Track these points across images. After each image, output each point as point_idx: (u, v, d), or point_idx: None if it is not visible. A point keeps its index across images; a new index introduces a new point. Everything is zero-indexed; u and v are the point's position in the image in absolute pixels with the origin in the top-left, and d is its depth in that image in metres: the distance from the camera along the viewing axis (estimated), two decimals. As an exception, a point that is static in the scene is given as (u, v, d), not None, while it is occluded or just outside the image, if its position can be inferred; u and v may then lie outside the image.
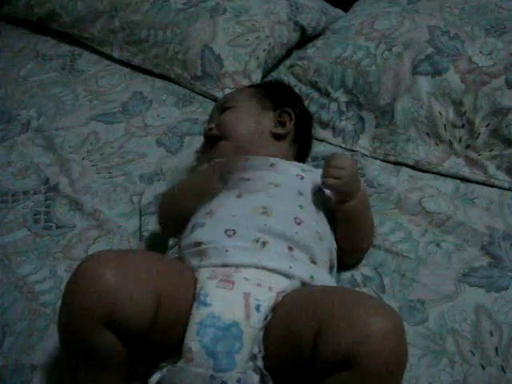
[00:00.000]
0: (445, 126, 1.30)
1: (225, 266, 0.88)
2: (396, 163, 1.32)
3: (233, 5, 1.61)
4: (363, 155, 1.35)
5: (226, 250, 0.89)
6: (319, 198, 1.05)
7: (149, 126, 1.44)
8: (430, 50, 1.35)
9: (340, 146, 1.38)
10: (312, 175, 1.09)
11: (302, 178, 1.07)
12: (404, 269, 1.07)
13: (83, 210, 1.19)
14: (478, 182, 1.27)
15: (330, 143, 1.39)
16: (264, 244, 0.91)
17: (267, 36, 1.57)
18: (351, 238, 1.05)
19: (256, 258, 0.89)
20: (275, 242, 0.91)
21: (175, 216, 1.05)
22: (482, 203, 1.22)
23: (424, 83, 1.33)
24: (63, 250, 1.11)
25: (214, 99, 1.51)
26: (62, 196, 1.23)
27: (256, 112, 1.19)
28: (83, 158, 1.34)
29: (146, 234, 1.13)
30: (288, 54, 1.66)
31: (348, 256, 1.07)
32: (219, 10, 1.59)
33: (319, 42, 1.54)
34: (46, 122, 1.45)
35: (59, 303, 0.98)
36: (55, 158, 1.34)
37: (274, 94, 1.25)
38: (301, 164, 1.15)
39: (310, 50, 1.52)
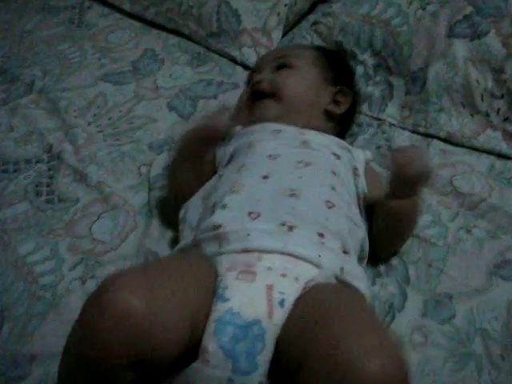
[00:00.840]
0: (482, 95, 1.18)
1: (246, 251, 0.78)
2: (427, 135, 1.22)
3: (252, -47, 1.47)
4: (391, 125, 1.24)
5: (248, 234, 0.80)
6: (355, 182, 0.97)
7: (160, 88, 1.34)
8: (468, 10, 1.22)
9: (365, 114, 1.27)
10: (350, 155, 1.01)
11: (339, 157, 0.98)
12: (431, 258, 0.99)
13: (88, 181, 1.11)
14: (515, 159, 1.16)
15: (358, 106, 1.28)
16: (291, 228, 0.81)
17: (290, -12, 1.44)
18: (390, 237, 0.97)
19: (281, 242, 0.79)
20: (304, 227, 0.82)
21: (180, 194, 0.98)
22: (519, 183, 1.12)
23: (461, 47, 1.20)
24: (65, 226, 1.04)
25: (231, 58, 1.41)
26: (65, 166, 1.15)
27: (317, 81, 1.11)
28: (89, 123, 1.25)
29: (154, 211, 1.05)
30: (311, 7, 1.53)
31: (380, 251, 0.98)
32: (237, -41, 1.45)
33: (345, -3, 1.41)
34: (50, 83, 1.36)
35: (60, 286, 0.96)
36: (60, 123, 1.25)
37: (337, 67, 1.16)
38: (340, 141, 1.06)
39: (336, 6, 1.40)
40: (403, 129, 1.24)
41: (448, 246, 1.01)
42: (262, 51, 1.38)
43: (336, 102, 1.12)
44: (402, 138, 1.21)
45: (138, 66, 1.40)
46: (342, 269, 0.81)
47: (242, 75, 1.36)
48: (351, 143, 1.17)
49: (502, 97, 1.17)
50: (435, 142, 1.20)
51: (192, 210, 0.93)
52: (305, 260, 0.78)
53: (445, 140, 1.20)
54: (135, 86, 1.34)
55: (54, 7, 1.62)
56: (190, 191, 0.97)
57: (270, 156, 0.93)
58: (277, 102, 1.07)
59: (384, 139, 1.20)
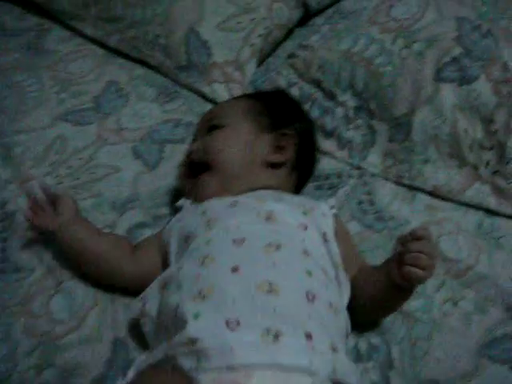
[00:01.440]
0: (470, 146, 1.10)
1: (231, 368, 0.70)
2: (410, 187, 1.14)
3: (224, -22, 1.35)
4: (372, 174, 1.16)
5: (231, 349, 0.71)
6: (325, 252, 0.89)
7: (124, 130, 1.23)
8: (457, 51, 1.13)
9: (346, 161, 1.19)
10: (315, 218, 0.92)
11: (306, 228, 0.89)
12: (415, 335, 0.92)
13: (41, 248, 1.01)
14: (505, 216, 1.09)
15: (335, 157, 1.19)
16: (277, 336, 0.72)
17: (264, 18, 1.33)
18: (371, 309, 0.90)
19: (269, 355, 0.71)
20: (290, 332, 0.74)
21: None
22: (509, 244, 1.06)
23: (449, 93, 1.12)
24: (21, 301, 0.95)
25: (201, 94, 1.30)
26: (20, 228, 1.04)
27: (250, 134, 1.00)
28: (47, 174, 1.14)
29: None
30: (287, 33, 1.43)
31: (359, 317, 0.90)
32: (207, -16, 1.34)
33: (325, 28, 1.31)
34: (4, 123, 1.23)
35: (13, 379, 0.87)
36: (14, 174, 1.14)
37: (273, 110, 1.05)
38: (301, 200, 0.97)
39: (315, 38, 1.29)
40: (386, 179, 1.16)
41: (433, 322, 0.94)
42: (235, 87, 1.28)
43: (279, 148, 1.01)
44: (385, 191, 1.13)
45: (101, 103, 1.29)
46: (334, 369, 0.74)
47: (213, 114, 1.26)
48: (331, 196, 1.10)
49: (492, 148, 1.10)
50: (420, 195, 1.13)
51: (151, 301, 0.84)
52: (297, 370, 0.71)
53: (430, 193, 1.13)
54: (97, 128, 1.23)
55: (9, 29, 1.49)
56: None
57: (234, 241, 0.83)
58: (213, 174, 0.97)
59: (366, 193, 1.12)
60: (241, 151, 0.98)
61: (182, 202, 0.99)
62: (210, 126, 1.03)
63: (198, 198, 0.97)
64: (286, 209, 0.91)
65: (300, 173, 1.05)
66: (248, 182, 0.97)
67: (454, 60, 1.13)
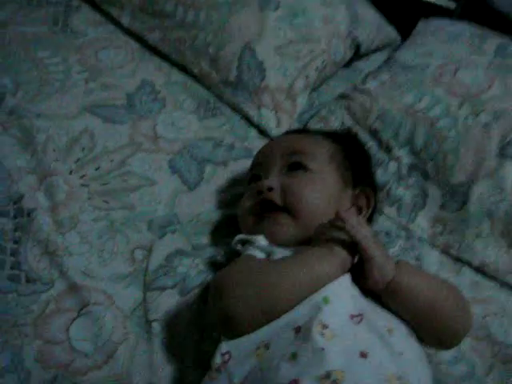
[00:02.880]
0: (524, 229, 1.07)
1: None
2: (457, 259, 1.09)
3: (288, 0, 1.27)
4: (420, 238, 1.10)
5: None
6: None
7: (160, 138, 1.11)
8: (524, 130, 1.11)
9: (393, 219, 1.12)
10: None
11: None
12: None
13: (63, 259, 0.87)
14: (547, 306, 1.06)
15: (382, 212, 1.13)
16: None
17: (323, 51, 1.26)
18: (424, 325, 0.80)
19: None
20: None
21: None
22: (550, 336, 1.02)
23: (511, 171, 1.09)
24: (35, 321, 0.80)
25: (246, 117, 1.20)
26: (37, 229, 0.90)
27: (335, 187, 0.91)
28: (71, 172, 1.00)
29: (155, 324, 0.83)
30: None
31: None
32: (271, 2, 1.24)
33: (384, 76, 1.25)
34: (24, 101, 1.09)
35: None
36: (33, 163, 0.99)
37: (355, 162, 0.97)
38: None
39: (372, 84, 1.23)
40: (433, 246, 1.10)
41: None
42: (284, 117, 1.19)
43: (358, 207, 0.94)
44: (432, 259, 1.07)
45: (134, 102, 1.16)
46: None
47: (256, 141, 1.16)
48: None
49: (545, 235, 1.07)
50: (466, 269, 1.07)
51: (239, 361, 0.71)
52: None
53: (477, 269, 1.08)
54: (130, 129, 1.10)
55: (35, -1, 1.33)
56: None
57: (352, 317, 0.72)
58: (292, 218, 0.87)
59: (415, 257, 1.06)
60: (327, 205, 0.88)
61: (255, 238, 0.86)
62: (292, 162, 0.92)
63: (268, 235, 0.86)
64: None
65: None
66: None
67: (521, 139, 1.10)
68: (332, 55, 1.28)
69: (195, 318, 0.86)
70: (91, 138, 1.06)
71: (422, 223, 1.11)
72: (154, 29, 1.27)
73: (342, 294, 0.74)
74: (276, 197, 0.87)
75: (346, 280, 0.77)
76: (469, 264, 1.08)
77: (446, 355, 0.93)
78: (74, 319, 0.81)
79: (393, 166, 1.14)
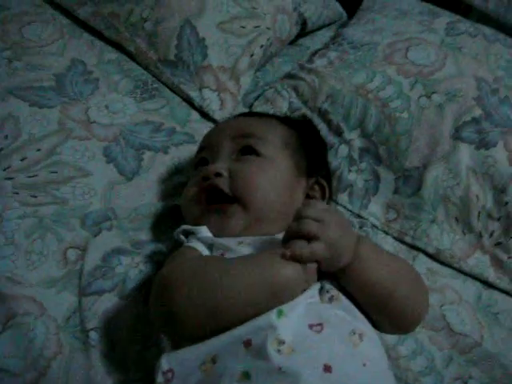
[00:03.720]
0: (479, 213, 1.04)
1: None
2: (412, 246, 1.05)
3: (232, -26, 1.18)
4: (373, 226, 1.06)
5: None
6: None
7: (94, 124, 1.00)
8: (477, 112, 1.07)
9: (344, 207, 1.07)
10: None
11: None
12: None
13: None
14: (502, 291, 1.04)
15: (332, 200, 1.07)
16: None
17: (268, 27, 1.18)
18: (382, 311, 0.75)
19: None
20: None
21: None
22: (506, 321, 1.00)
23: (466, 154, 1.05)
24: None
25: (187, 99, 1.11)
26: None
27: (289, 176, 0.84)
28: (-7, 164, 0.89)
29: (92, 333, 0.75)
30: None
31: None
32: (214, -25, 1.15)
33: (332, 54, 1.19)
34: None
35: None
36: None
37: (309, 150, 0.90)
38: None
39: (321, 63, 1.17)
40: (386, 233, 1.06)
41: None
42: (227, 98, 1.12)
43: (309, 198, 0.88)
44: (386, 247, 1.03)
45: (64, 83, 1.05)
46: None
47: (199, 124, 1.08)
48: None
49: (499, 219, 1.04)
50: (421, 256, 1.04)
51: (183, 379, 0.63)
52: None
53: (431, 256, 1.05)
54: (60, 113, 1.00)
55: None
56: None
57: (311, 327, 0.65)
58: (242, 210, 0.79)
59: (368, 246, 1.02)
60: (280, 194, 0.81)
61: (198, 229, 0.78)
62: (242, 145, 0.84)
63: (214, 228, 0.79)
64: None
65: None
66: (275, 228, 0.79)
67: (474, 121, 1.06)
68: (278, 32, 1.21)
69: (137, 324, 0.78)
70: (16, 124, 0.95)
71: (375, 210, 1.07)
72: (85, 2, 1.15)
73: (298, 302, 0.67)
74: (223, 184, 0.80)
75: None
76: (424, 251, 1.05)
77: (405, 350, 0.90)
78: (0, 334, 0.72)
79: (343, 149, 1.09)
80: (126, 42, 1.13)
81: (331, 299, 0.69)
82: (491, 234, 1.05)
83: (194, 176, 0.87)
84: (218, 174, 0.80)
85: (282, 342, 0.61)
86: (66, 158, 0.94)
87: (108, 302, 0.79)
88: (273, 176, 0.81)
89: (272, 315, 0.64)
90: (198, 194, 0.82)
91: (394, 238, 1.05)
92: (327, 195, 0.88)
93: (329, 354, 0.62)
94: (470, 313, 0.99)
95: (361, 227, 1.04)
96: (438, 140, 1.06)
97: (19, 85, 1.01)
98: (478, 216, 1.04)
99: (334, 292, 0.71)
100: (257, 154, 0.83)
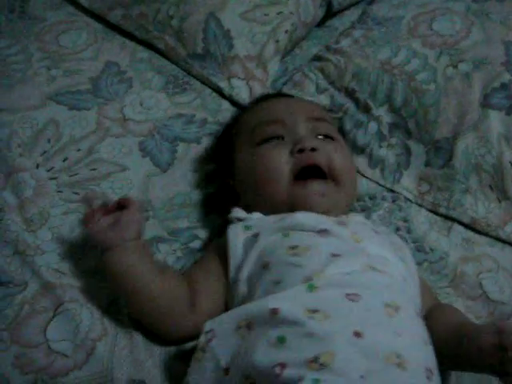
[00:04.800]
0: (513, 180, 1.04)
1: None
2: (447, 217, 1.05)
3: (251, -36, 1.20)
4: (406, 199, 1.07)
5: None
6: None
7: (129, 120, 1.06)
8: (506, 77, 1.06)
9: (377, 183, 1.08)
10: (408, 263, 0.84)
11: (405, 279, 0.79)
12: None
13: (36, 258, 0.84)
14: (541, 258, 1.03)
15: (365, 176, 1.09)
16: None
17: (291, 12, 1.20)
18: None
19: None
20: None
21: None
22: (547, 289, 0.99)
23: (496, 121, 1.04)
24: (10, 325, 0.77)
25: (217, 89, 1.15)
26: (5, 229, 0.87)
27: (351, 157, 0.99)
28: (38, 166, 0.96)
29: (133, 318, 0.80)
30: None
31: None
32: (234, -33, 1.18)
33: (357, 33, 1.19)
34: (-16, 97, 1.05)
35: None
36: (-1, 161, 0.96)
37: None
38: (389, 236, 0.90)
39: (346, 43, 1.18)
40: (420, 205, 1.06)
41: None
42: (256, 85, 1.14)
43: None
44: (421, 219, 1.04)
45: (100, 85, 1.11)
46: None
47: (229, 114, 1.12)
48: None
49: (535, 184, 1.03)
50: (457, 226, 1.04)
51: (222, 340, 0.69)
52: None
53: (467, 226, 1.04)
54: (97, 114, 1.06)
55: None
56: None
57: (347, 296, 0.68)
58: (336, 188, 0.86)
59: (402, 219, 1.03)
60: (354, 174, 0.95)
61: (243, 214, 0.84)
62: (319, 130, 0.91)
63: (298, 205, 0.83)
64: (387, 255, 0.79)
65: None
66: (346, 207, 0.91)
67: (503, 86, 1.05)
68: (302, 16, 1.22)
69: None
70: (56, 127, 1.02)
71: (408, 183, 1.08)
72: (115, 6, 1.21)
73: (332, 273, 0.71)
74: (322, 161, 0.85)
75: None
76: (459, 221, 1.05)
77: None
78: (51, 320, 0.79)
79: (373, 126, 1.10)
80: (155, 40, 1.18)
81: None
82: (527, 200, 1.04)
83: (272, 147, 0.87)
84: (314, 149, 0.85)
85: (314, 311, 0.65)
86: (104, 155, 1.00)
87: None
88: (351, 159, 0.94)
89: (302, 288, 0.68)
90: (284, 166, 0.85)
91: (428, 210, 1.05)
92: None
93: (360, 322, 0.65)
94: (509, 280, 0.98)
95: (394, 201, 1.06)
96: (466, 109, 1.05)
97: (58, 91, 1.08)
98: (513, 183, 1.03)
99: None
100: (331, 137, 0.90)
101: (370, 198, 1.05)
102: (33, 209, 0.90)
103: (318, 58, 1.19)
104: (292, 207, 0.82)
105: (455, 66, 1.08)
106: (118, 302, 0.81)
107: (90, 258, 0.86)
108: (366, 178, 1.08)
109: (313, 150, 0.84)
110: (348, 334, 0.64)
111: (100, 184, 0.96)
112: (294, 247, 0.75)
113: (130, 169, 0.99)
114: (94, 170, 0.98)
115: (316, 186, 0.84)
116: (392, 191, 1.07)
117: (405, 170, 1.08)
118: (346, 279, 0.71)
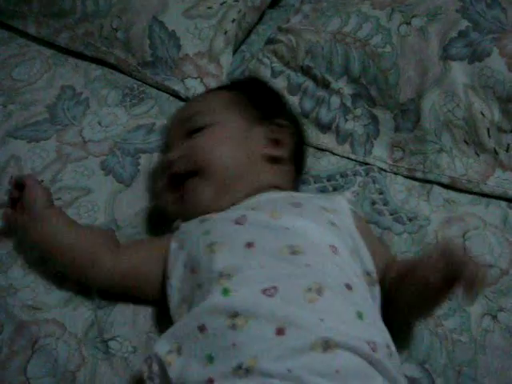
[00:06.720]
0: (488, 130, 0.99)
1: None
2: (425, 181, 1.01)
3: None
4: (380, 169, 1.03)
5: None
6: (358, 269, 0.75)
7: (89, 142, 1.05)
8: (463, 24, 1.01)
9: (348, 158, 1.05)
10: (342, 227, 0.78)
11: (336, 249, 0.74)
12: (459, 360, 0.80)
13: (9, 298, 0.83)
14: (532, 206, 0.98)
15: (335, 153, 1.05)
16: None
17: (235, 0, 1.17)
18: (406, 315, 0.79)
19: None
20: None
21: None
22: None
23: (459, 71, 1.00)
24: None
25: (173, 93, 1.13)
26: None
27: (240, 129, 0.86)
28: (4, 204, 0.95)
29: (111, 343, 0.79)
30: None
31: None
32: (168, -35, 1.16)
33: (306, 8, 1.16)
34: None
35: None
36: (-37, 207, 0.96)
37: (258, 100, 0.91)
38: (319, 200, 0.84)
39: (296, 20, 1.14)
40: (395, 173, 1.03)
41: (475, 343, 0.82)
42: (211, 81, 1.12)
43: (275, 142, 0.88)
44: (398, 187, 1.00)
45: (57, 112, 1.10)
46: None
47: (190, 115, 1.10)
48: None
49: (512, 130, 0.98)
50: (436, 188, 1.00)
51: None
52: None
53: (447, 186, 1.00)
54: (57, 142, 1.05)
55: None
56: None
57: (263, 292, 0.66)
58: (204, 179, 0.82)
59: (377, 191, 0.99)
60: (235, 149, 0.84)
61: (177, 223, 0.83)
62: (187, 129, 0.87)
63: (190, 211, 0.82)
64: (310, 225, 0.75)
65: (296, 167, 0.92)
66: (250, 183, 0.83)
67: (461, 34, 1.00)
68: (248, 1, 1.19)
69: (153, 326, 0.82)
70: (17, 163, 1.02)
71: (380, 153, 1.04)
72: (62, 29, 1.20)
73: (247, 275, 0.69)
74: (178, 168, 0.84)
75: None
76: (438, 183, 1.01)
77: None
78: (30, 358, 0.78)
79: (335, 100, 1.07)
80: (105, 56, 1.17)
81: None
82: (508, 148, 0.99)
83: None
84: (170, 163, 0.84)
85: (235, 316, 0.64)
86: (67, 182, 0.99)
87: (123, 309, 0.83)
88: (220, 136, 0.85)
89: (217, 294, 0.66)
90: (165, 185, 0.86)
91: (405, 176, 1.02)
92: (293, 132, 0.89)
93: (281, 318, 0.63)
94: (498, 237, 0.94)
95: (367, 174, 1.02)
96: (427, 65, 1.01)
97: (16, 126, 1.07)
98: (488, 133, 0.99)
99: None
100: (201, 128, 0.86)
101: (342, 176, 1.02)
102: (1, 248, 0.90)
103: (270, 41, 1.15)
104: (193, 214, 0.81)
105: (408, 23, 1.04)
106: (94, 327, 0.81)
107: (64, 287, 0.85)
108: (336, 155, 1.05)
109: (170, 163, 0.85)
110: (270, 333, 0.62)
111: (68, 212, 0.95)
112: (210, 245, 0.73)
113: (94, 191, 0.98)
114: (59, 199, 0.97)
115: (184, 191, 0.83)
116: (365, 164, 1.04)
117: (375, 140, 1.05)
118: (260, 273, 0.68)
